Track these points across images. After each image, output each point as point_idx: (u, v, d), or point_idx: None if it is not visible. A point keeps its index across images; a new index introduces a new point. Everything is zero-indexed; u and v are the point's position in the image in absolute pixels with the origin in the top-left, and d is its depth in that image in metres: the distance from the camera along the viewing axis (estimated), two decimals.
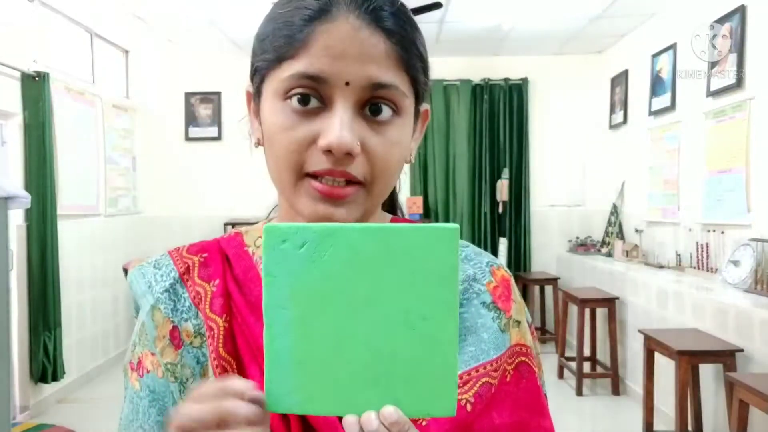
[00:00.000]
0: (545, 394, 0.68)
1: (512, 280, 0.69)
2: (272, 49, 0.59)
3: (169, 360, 0.64)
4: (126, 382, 0.68)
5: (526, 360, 0.66)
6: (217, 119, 6.06)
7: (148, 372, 0.65)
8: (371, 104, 0.57)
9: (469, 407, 0.60)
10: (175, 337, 0.65)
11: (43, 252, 4.06)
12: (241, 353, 0.63)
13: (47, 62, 4.33)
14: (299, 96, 0.57)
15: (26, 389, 4.04)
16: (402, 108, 0.59)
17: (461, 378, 0.61)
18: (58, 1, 4.43)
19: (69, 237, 4.45)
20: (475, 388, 0.61)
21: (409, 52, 0.59)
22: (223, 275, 0.66)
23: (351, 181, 0.58)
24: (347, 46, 0.55)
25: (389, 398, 0.46)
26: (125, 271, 0.88)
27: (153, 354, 0.65)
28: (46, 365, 4.08)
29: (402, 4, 0.61)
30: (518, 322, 0.67)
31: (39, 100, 4.05)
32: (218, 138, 6.07)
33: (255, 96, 0.64)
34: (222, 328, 0.63)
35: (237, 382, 0.48)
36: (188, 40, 5.39)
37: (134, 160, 5.73)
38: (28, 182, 4.03)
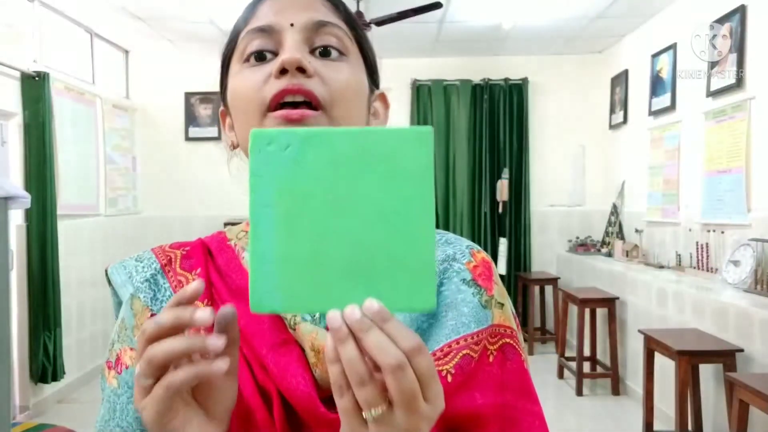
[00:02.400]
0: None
1: (493, 266, 0.70)
2: (232, 33, 0.67)
3: None
4: (103, 383, 0.68)
5: (512, 342, 0.66)
6: (217, 119, 6.05)
7: (126, 368, 0.65)
8: (320, 47, 0.62)
9: (449, 378, 0.61)
10: None
11: (43, 252, 4.06)
12: None
13: (47, 62, 4.33)
14: (255, 54, 0.62)
15: (26, 389, 4.04)
16: (347, 50, 0.64)
17: (442, 350, 0.62)
18: (58, 1, 4.43)
19: (69, 237, 4.45)
20: (456, 359, 0.62)
21: (347, 12, 0.67)
22: (205, 265, 0.68)
23: (309, 105, 0.61)
24: (287, 2, 0.63)
25: (371, 292, 0.48)
26: (107, 273, 0.87)
27: (132, 349, 0.65)
28: (46, 365, 4.08)
29: None
30: (501, 305, 0.67)
31: (39, 100, 4.05)
32: (218, 138, 6.05)
33: (224, 111, 0.69)
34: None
35: (200, 312, 0.49)
36: (188, 40, 5.39)
37: (134, 160, 5.73)
38: (28, 182, 4.03)
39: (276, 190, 0.49)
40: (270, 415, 0.60)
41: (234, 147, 0.69)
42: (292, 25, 0.61)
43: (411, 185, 0.49)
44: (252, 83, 0.62)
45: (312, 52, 0.62)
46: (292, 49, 0.60)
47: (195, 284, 0.51)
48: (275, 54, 0.62)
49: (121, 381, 0.65)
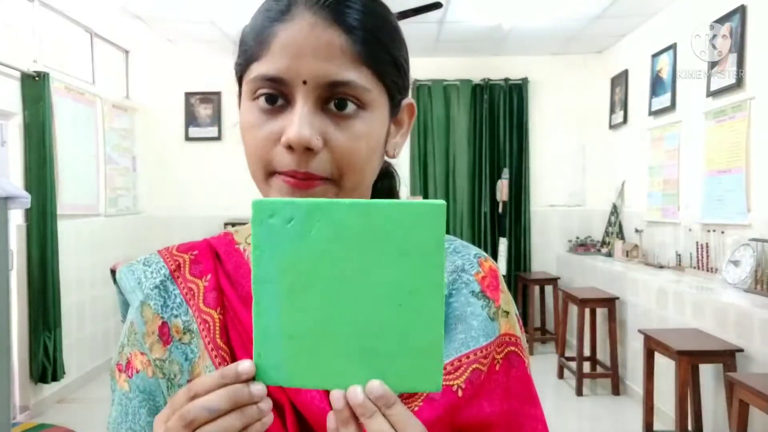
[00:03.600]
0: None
1: (500, 272, 0.70)
2: (243, 53, 0.62)
3: (158, 356, 0.64)
4: (113, 384, 0.67)
5: (516, 350, 0.66)
6: (217, 119, 6.06)
7: (137, 372, 0.65)
8: (335, 100, 0.58)
9: (460, 393, 0.61)
10: (164, 333, 0.65)
11: (43, 252, 4.06)
12: (233, 346, 0.63)
13: (47, 62, 4.33)
14: (265, 96, 0.59)
15: (26, 389, 4.04)
16: (366, 102, 0.59)
17: (452, 364, 0.62)
18: (58, 1, 4.43)
19: (69, 237, 4.45)
20: (466, 374, 0.62)
21: (371, 47, 0.59)
22: (215, 271, 0.67)
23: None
24: (303, 44, 0.57)
25: (376, 373, 0.47)
26: (113, 272, 0.88)
27: (143, 353, 0.65)
28: (46, 365, 4.08)
29: None
30: (507, 313, 0.67)
31: (39, 100, 4.05)
32: (218, 138, 6.07)
33: (239, 95, 0.66)
34: (217, 320, 0.64)
35: (243, 364, 0.48)
36: (188, 40, 5.39)
37: (134, 160, 5.73)
38: (28, 182, 4.03)
39: (279, 265, 0.48)
40: (283, 427, 0.60)
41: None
42: (305, 82, 0.56)
43: (421, 263, 0.47)
44: (260, 137, 0.59)
45: (326, 103, 0.58)
46: (301, 124, 0.56)
47: (247, 366, 0.48)
48: (286, 99, 0.58)
49: (132, 385, 0.65)
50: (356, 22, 0.58)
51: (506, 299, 0.68)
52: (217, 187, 5.92)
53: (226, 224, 5.72)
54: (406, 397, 0.59)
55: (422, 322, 0.47)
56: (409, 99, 0.68)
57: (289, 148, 0.57)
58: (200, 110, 6.08)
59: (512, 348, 0.66)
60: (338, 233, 0.47)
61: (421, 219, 0.47)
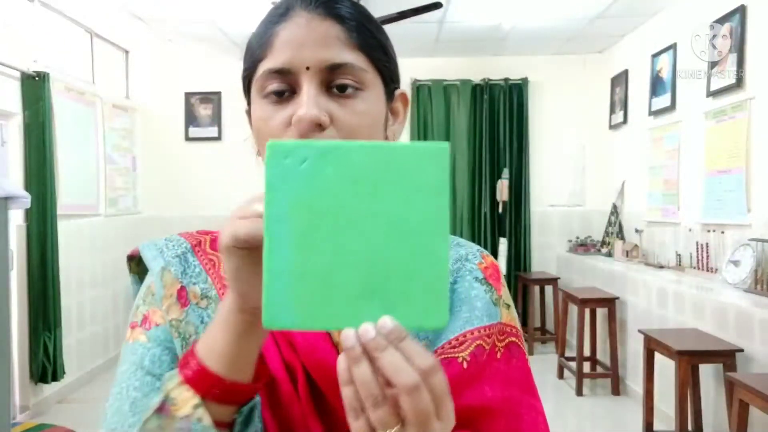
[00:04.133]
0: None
1: (501, 270, 0.75)
2: (249, 58, 0.67)
3: (174, 317, 0.67)
4: (124, 344, 0.68)
5: (517, 341, 0.70)
6: (217, 119, 6.06)
7: (156, 325, 0.67)
8: (336, 83, 0.64)
9: (465, 364, 0.65)
10: (182, 297, 0.68)
11: (43, 252, 4.06)
12: None
13: (47, 62, 4.33)
14: (274, 91, 0.64)
15: (26, 389, 4.04)
16: (364, 83, 0.65)
17: (457, 339, 0.66)
18: (58, 1, 4.43)
19: (69, 237, 4.45)
20: (470, 348, 0.66)
21: (363, 34, 0.66)
22: None
23: None
24: (302, 36, 0.63)
25: (385, 310, 0.48)
26: (129, 259, 0.87)
27: (160, 312, 0.68)
28: (46, 365, 4.08)
29: None
30: (508, 305, 0.72)
31: (39, 100, 4.05)
32: (218, 138, 6.07)
33: (248, 108, 0.71)
34: None
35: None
36: (188, 40, 5.39)
37: (134, 160, 5.73)
38: (28, 182, 4.03)
39: (291, 205, 0.48)
40: (295, 389, 0.64)
41: (260, 155, 0.70)
42: (308, 68, 0.62)
43: (426, 202, 0.48)
44: (272, 125, 0.64)
45: (329, 88, 0.64)
46: (309, 104, 0.61)
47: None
48: (293, 91, 0.64)
49: (150, 336, 0.67)
50: (347, 14, 0.65)
51: (507, 294, 0.73)
52: (217, 187, 5.93)
53: None
54: None
55: (428, 260, 0.48)
56: (402, 89, 0.73)
57: (300, 127, 0.62)
58: (200, 110, 6.08)
59: (513, 339, 0.70)
60: (349, 174, 0.48)
61: (425, 159, 0.48)
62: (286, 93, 0.64)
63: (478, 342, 0.66)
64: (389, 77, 0.69)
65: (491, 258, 0.74)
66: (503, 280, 0.73)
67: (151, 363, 0.65)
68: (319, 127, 0.62)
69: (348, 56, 0.64)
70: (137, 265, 0.75)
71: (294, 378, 0.64)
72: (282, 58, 0.63)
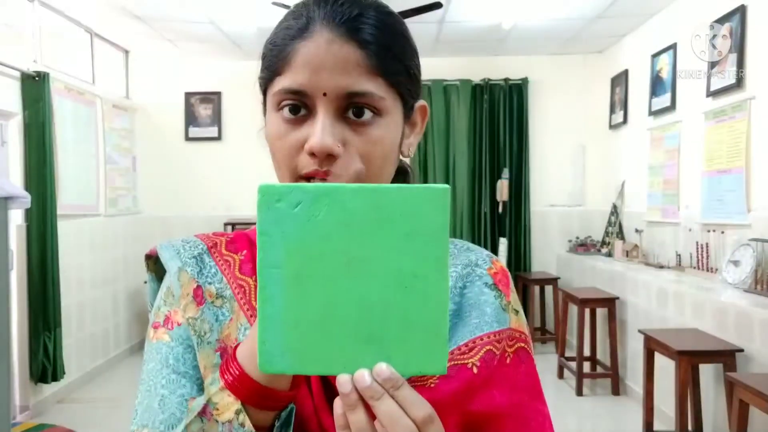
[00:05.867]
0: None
1: (510, 276, 0.75)
2: (266, 67, 0.66)
3: (191, 315, 0.69)
4: (148, 344, 0.71)
5: (526, 347, 0.70)
6: (217, 119, 6.06)
7: (178, 325, 0.69)
8: (352, 108, 0.62)
9: (475, 370, 0.65)
10: (198, 295, 0.69)
11: (43, 252, 4.06)
12: None
13: (47, 62, 4.33)
14: (289, 107, 0.63)
15: (26, 389, 4.04)
16: (382, 109, 0.63)
17: (467, 345, 0.66)
18: (58, 1, 4.43)
19: (69, 237, 4.45)
20: (480, 353, 0.66)
21: (385, 59, 0.64)
22: (250, 248, 0.73)
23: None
24: (322, 59, 0.61)
25: (382, 356, 0.47)
26: (147, 258, 0.88)
27: (180, 310, 0.70)
28: (46, 365, 4.08)
29: (381, 10, 0.66)
30: (517, 311, 0.72)
31: (39, 100, 4.05)
32: (218, 138, 6.07)
33: (263, 103, 0.70)
34: (253, 286, 0.69)
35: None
36: (188, 40, 5.39)
37: (134, 160, 5.73)
38: (28, 182, 4.03)
39: (285, 250, 0.48)
40: (308, 384, 0.64)
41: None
42: (325, 94, 0.61)
43: (426, 246, 0.48)
44: (286, 145, 0.63)
45: (345, 112, 0.62)
46: (323, 133, 0.60)
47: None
48: (308, 109, 0.63)
49: (173, 335, 0.69)
50: (370, 37, 0.63)
51: (515, 299, 0.73)
52: (217, 187, 5.93)
53: (226, 224, 5.72)
54: (424, 377, 0.63)
55: (427, 305, 0.48)
56: (422, 101, 0.73)
57: (313, 155, 0.61)
58: (200, 110, 6.08)
59: (522, 345, 0.70)
60: (344, 217, 0.48)
61: (425, 202, 0.48)
62: (302, 111, 0.63)
63: (488, 347, 0.66)
64: (410, 97, 0.68)
65: (501, 263, 0.74)
66: (512, 286, 0.73)
67: (175, 361, 0.67)
68: (331, 156, 0.61)
69: (367, 84, 0.62)
70: (155, 264, 0.76)
71: (308, 378, 0.65)
72: (299, 80, 0.62)
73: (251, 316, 0.67)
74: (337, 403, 0.47)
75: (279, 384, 0.56)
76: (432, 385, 0.62)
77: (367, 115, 0.63)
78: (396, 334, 0.48)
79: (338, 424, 0.47)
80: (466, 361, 0.65)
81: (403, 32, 0.68)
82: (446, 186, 0.48)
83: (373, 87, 0.62)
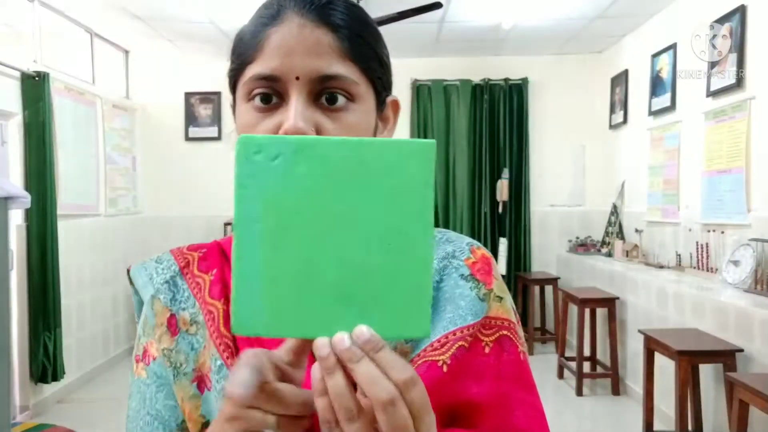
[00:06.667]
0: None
1: (493, 262, 0.71)
2: (236, 59, 0.65)
3: (165, 346, 0.67)
4: (131, 377, 0.70)
5: (509, 334, 0.67)
6: (217, 119, 6.06)
7: (154, 359, 0.68)
8: (326, 94, 0.61)
9: (445, 368, 0.62)
10: (172, 325, 0.68)
11: (43, 252, 4.06)
12: (236, 336, 0.65)
13: (47, 62, 4.33)
14: (260, 95, 0.62)
15: (26, 389, 4.04)
16: (355, 95, 0.63)
17: (439, 341, 0.63)
18: (58, 1, 4.43)
19: (69, 237, 4.45)
20: (452, 350, 0.63)
21: (356, 44, 0.63)
22: (221, 266, 0.70)
23: None
24: (294, 43, 0.61)
25: (361, 318, 0.45)
26: (129, 272, 0.88)
27: (155, 341, 0.69)
28: (46, 365, 4.08)
29: (345, 1, 0.65)
30: (500, 298, 0.68)
31: (39, 100, 4.05)
32: (218, 138, 6.07)
33: (233, 104, 0.69)
34: (221, 311, 0.67)
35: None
36: (188, 40, 5.39)
37: (134, 160, 5.73)
38: (28, 182, 4.03)
39: (263, 203, 0.46)
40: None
41: None
42: (297, 78, 0.60)
43: (409, 203, 0.45)
44: (258, 134, 0.62)
45: (317, 98, 0.62)
46: (296, 117, 0.59)
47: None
48: (280, 97, 0.62)
49: (149, 372, 0.68)
50: (342, 22, 0.62)
51: (500, 286, 0.69)
52: (217, 187, 5.92)
53: (226, 224, 5.72)
54: None
55: (410, 264, 0.45)
56: (393, 96, 0.71)
57: None
58: (200, 110, 6.08)
59: (505, 332, 0.67)
60: (326, 171, 0.45)
61: (410, 157, 0.45)
62: (274, 99, 0.62)
63: (459, 343, 0.63)
64: (381, 87, 0.67)
65: (482, 251, 0.71)
66: (496, 272, 0.70)
67: (150, 403, 0.67)
68: None
69: (340, 67, 0.61)
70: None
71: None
72: (271, 65, 0.61)
73: (219, 344, 0.65)
74: (315, 368, 0.45)
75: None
76: None
77: (341, 101, 0.62)
78: (377, 295, 0.45)
79: (316, 390, 0.45)
80: (437, 358, 0.62)
81: (372, 22, 0.67)
82: (432, 141, 0.46)
83: (346, 71, 0.62)
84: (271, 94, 0.62)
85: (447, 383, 0.62)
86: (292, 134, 0.58)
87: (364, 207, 0.46)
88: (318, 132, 0.60)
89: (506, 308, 0.68)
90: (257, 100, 0.62)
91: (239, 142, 0.46)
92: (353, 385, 0.45)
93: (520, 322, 0.71)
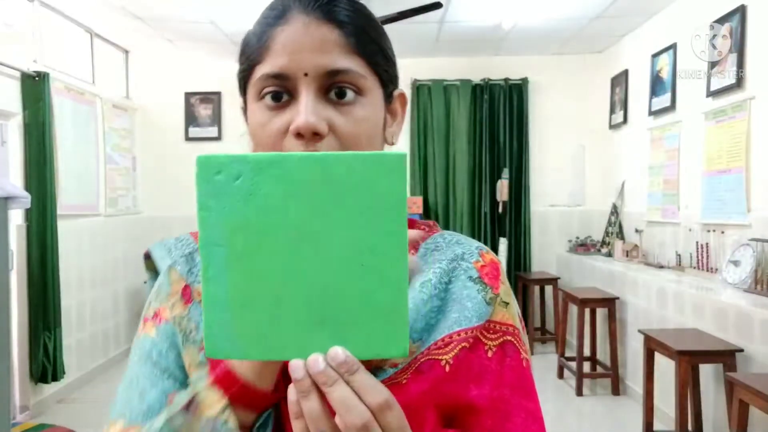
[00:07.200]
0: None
1: (502, 267, 0.72)
2: (245, 60, 0.67)
3: (177, 313, 0.69)
4: (135, 338, 0.71)
5: (513, 340, 0.67)
6: (217, 119, 6.06)
7: (166, 321, 0.69)
8: (335, 89, 0.63)
9: (447, 368, 0.63)
10: (186, 294, 0.70)
11: (43, 252, 4.06)
12: None
13: (47, 62, 4.33)
14: (270, 94, 0.63)
15: (26, 389, 4.04)
16: (363, 88, 0.64)
17: (443, 340, 0.64)
18: (58, 1, 4.43)
19: (69, 237, 4.45)
20: (455, 351, 0.64)
21: (362, 39, 0.64)
22: None
23: None
24: (301, 40, 0.62)
25: (337, 339, 0.44)
26: (146, 257, 0.88)
27: (168, 307, 0.71)
28: (46, 365, 4.08)
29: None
30: (506, 303, 0.69)
31: (39, 100, 4.05)
32: (218, 138, 6.07)
33: (243, 106, 0.70)
34: None
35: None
36: (188, 40, 5.39)
37: (134, 160, 5.73)
38: (28, 182, 4.03)
39: (228, 226, 0.44)
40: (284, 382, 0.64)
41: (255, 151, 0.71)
42: (306, 74, 0.61)
43: (381, 219, 0.44)
44: (270, 131, 0.63)
45: (327, 94, 0.63)
46: (307, 112, 0.60)
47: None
48: (290, 95, 0.63)
49: (160, 330, 0.69)
50: (346, 18, 0.64)
51: (507, 291, 0.69)
52: None
53: None
54: (398, 373, 0.61)
55: (385, 283, 0.44)
56: (400, 89, 0.73)
57: (299, 135, 0.61)
58: (200, 110, 6.08)
59: (509, 338, 0.67)
60: (291, 189, 0.44)
61: (380, 171, 0.44)
62: (284, 97, 0.63)
63: (463, 344, 0.64)
64: (388, 80, 0.68)
65: (491, 255, 0.71)
66: (503, 278, 0.70)
67: (158, 356, 0.67)
68: (317, 136, 0.61)
69: (347, 62, 0.63)
70: (153, 263, 0.76)
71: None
72: (279, 63, 0.62)
73: None
74: (291, 390, 0.45)
75: (263, 384, 0.55)
76: (404, 382, 0.61)
77: (350, 95, 0.63)
78: (352, 315, 0.44)
79: (292, 413, 0.45)
80: (440, 357, 0.63)
81: (375, 18, 0.69)
82: (403, 152, 0.44)
83: (353, 65, 0.63)
84: (281, 92, 0.63)
85: (448, 383, 0.62)
86: (303, 130, 0.60)
87: (334, 225, 0.44)
88: (329, 126, 0.61)
89: (511, 314, 0.69)
90: (267, 99, 0.63)
91: (198, 162, 0.45)
92: (330, 406, 0.44)
93: (525, 329, 0.71)
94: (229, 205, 0.44)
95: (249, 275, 0.45)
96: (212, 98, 6.04)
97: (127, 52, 5.75)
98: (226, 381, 0.56)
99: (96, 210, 4.99)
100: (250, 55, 0.66)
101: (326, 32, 0.62)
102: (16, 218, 3.93)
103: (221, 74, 5.92)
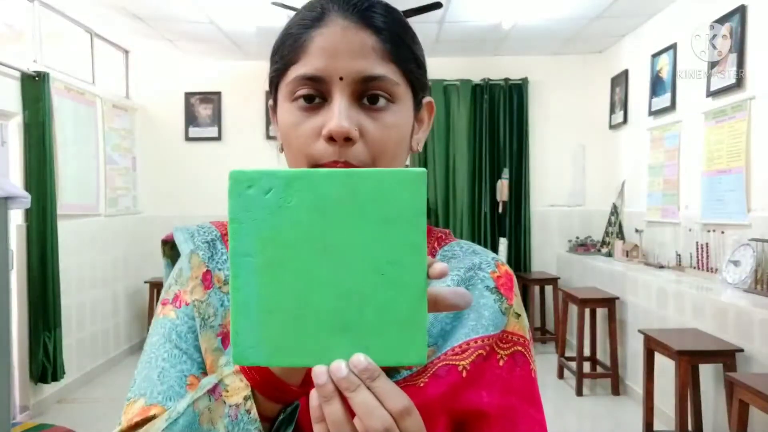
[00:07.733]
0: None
1: (515, 279, 0.74)
2: (280, 59, 0.67)
3: (197, 297, 0.70)
4: (154, 319, 0.72)
5: (523, 351, 0.69)
6: (217, 119, 6.06)
7: (186, 304, 0.70)
8: (368, 95, 0.63)
9: (464, 373, 0.64)
10: (207, 279, 0.70)
11: (43, 252, 4.06)
12: None
13: (47, 62, 4.33)
14: (304, 96, 0.64)
15: (26, 389, 4.04)
16: (396, 95, 0.65)
17: (461, 347, 0.65)
18: (58, 1, 4.43)
19: (69, 237, 4.45)
20: (472, 357, 0.65)
21: (397, 46, 0.65)
22: None
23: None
24: (338, 45, 0.63)
25: (358, 347, 0.46)
26: (164, 242, 0.90)
27: (188, 291, 0.72)
28: (46, 365, 4.08)
29: (388, 5, 0.68)
30: (518, 315, 0.70)
31: (39, 100, 4.05)
32: (218, 138, 6.07)
33: (273, 106, 0.71)
34: None
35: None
36: (188, 40, 5.39)
37: (134, 160, 5.73)
38: (28, 182, 4.03)
39: (257, 237, 0.47)
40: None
41: (282, 151, 0.72)
42: (341, 79, 0.62)
43: (402, 231, 0.46)
44: (302, 133, 0.64)
45: (359, 99, 0.63)
46: (340, 117, 0.61)
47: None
48: (323, 97, 0.63)
49: (180, 314, 0.70)
50: (383, 24, 0.65)
51: (519, 303, 0.71)
52: (217, 187, 5.91)
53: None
54: (414, 375, 0.63)
55: (404, 293, 0.46)
56: (429, 98, 0.74)
57: (330, 139, 0.61)
58: (200, 110, 6.08)
59: (520, 348, 0.69)
60: (318, 203, 0.46)
61: (401, 186, 0.47)
62: (317, 99, 0.63)
63: (479, 351, 0.65)
64: (419, 88, 0.69)
65: (506, 267, 0.73)
66: (516, 290, 0.72)
67: (178, 337, 0.68)
68: (349, 141, 0.61)
69: (382, 69, 0.63)
70: (171, 249, 0.78)
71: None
72: (316, 65, 0.62)
73: None
74: (313, 394, 0.46)
75: (291, 378, 0.55)
76: (422, 385, 0.62)
77: (382, 101, 0.64)
78: (373, 324, 0.46)
79: (314, 417, 0.46)
80: (457, 363, 0.64)
81: (409, 25, 0.70)
82: (423, 169, 0.47)
83: (388, 72, 0.64)
84: (314, 95, 0.63)
85: (464, 388, 0.64)
86: (336, 135, 0.60)
87: (358, 238, 0.47)
88: (360, 132, 0.62)
89: (522, 325, 0.70)
90: (300, 101, 0.64)
91: (230, 177, 0.47)
92: (351, 411, 0.46)
93: (532, 339, 0.73)
94: (260, 218, 0.47)
95: (276, 284, 0.47)
96: (212, 98, 6.03)
97: (127, 52, 5.75)
98: (254, 370, 0.56)
99: (96, 210, 4.99)
100: (285, 55, 0.66)
101: (364, 38, 0.63)
102: (16, 218, 3.93)
103: (221, 74, 5.92)
